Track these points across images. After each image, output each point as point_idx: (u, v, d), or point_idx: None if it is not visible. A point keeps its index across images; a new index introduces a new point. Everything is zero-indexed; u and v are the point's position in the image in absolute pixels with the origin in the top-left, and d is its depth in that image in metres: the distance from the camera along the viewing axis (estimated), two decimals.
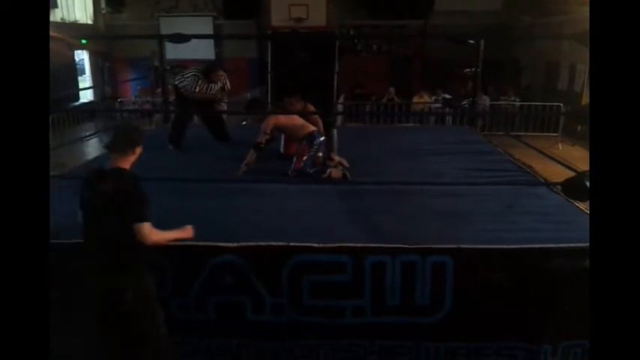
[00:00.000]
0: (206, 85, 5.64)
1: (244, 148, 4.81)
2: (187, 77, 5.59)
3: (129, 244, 2.61)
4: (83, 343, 2.83)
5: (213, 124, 5.96)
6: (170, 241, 2.76)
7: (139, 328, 2.70)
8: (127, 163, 2.70)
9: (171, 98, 6.75)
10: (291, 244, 2.97)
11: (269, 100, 11.07)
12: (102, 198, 2.60)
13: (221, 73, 5.76)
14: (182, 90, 5.61)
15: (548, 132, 11.09)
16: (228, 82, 5.93)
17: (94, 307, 2.69)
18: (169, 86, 6.78)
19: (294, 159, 4.67)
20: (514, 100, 12.60)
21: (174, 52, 9.65)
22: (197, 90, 5.56)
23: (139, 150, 2.73)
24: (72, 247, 2.90)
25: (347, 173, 4.58)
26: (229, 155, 5.13)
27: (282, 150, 5.20)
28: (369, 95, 14.23)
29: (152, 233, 2.64)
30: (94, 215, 2.65)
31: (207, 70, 5.70)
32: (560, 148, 10.45)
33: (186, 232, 2.83)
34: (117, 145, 2.69)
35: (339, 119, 9.72)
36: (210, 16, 15.49)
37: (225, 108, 6.75)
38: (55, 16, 13.66)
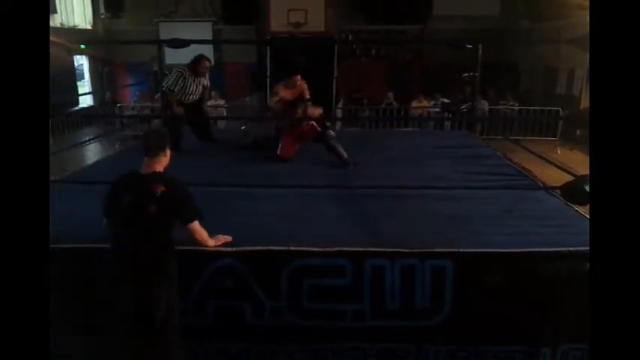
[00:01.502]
0: (193, 80, 5.57)
1: (242, 151, 4.83)
2: (173, 76, 5.52)
3: (167, 249, 2.65)
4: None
5: (198, 126, 5.92)
6: (211, 246, 2.86)
7: (164, 335, 2.67)
8: (161, 166, 2.73)
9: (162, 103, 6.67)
10: (291, 248, 2.97)
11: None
12: (148, 202, 2.57)
13: (207, 63, 5.68)
14: (171, 92, 5.50)
15: (547, 136, 11.10)
16: (208, 80, 5.84)
17: (122, 316, 2.64)
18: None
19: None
20: (513, 105, 12.61)
21: (173, 57, 9.59)
22: (186, 87, 5.50)
23: (168, 152, 2.77)
24: (71, 252, 2.90)
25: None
26: (229, 159, 5.15)
27: (279, 152, 5.22)
28: (363, 99, 14.21)
29: (202, 231, 2.74)
30: (134, 221, 2.60)
31: (193, 63, 5.61)
32: (559, 152, 10.45)
33: (224, 240, 2.95)
34: (151, 150, 2.71)
35: (338, 124, 9.72)
36: (209, 21, 15.50)
37: (208, 109, 6.67)
38: (55, 21, 13.68)
